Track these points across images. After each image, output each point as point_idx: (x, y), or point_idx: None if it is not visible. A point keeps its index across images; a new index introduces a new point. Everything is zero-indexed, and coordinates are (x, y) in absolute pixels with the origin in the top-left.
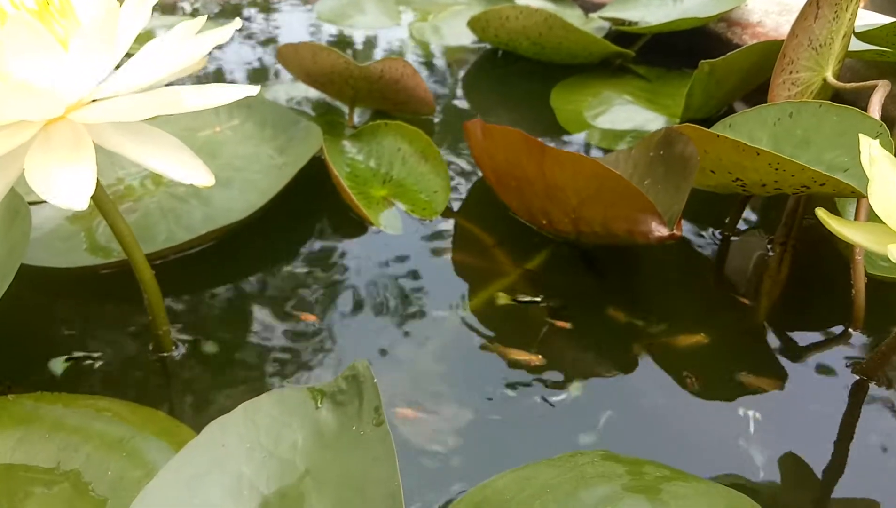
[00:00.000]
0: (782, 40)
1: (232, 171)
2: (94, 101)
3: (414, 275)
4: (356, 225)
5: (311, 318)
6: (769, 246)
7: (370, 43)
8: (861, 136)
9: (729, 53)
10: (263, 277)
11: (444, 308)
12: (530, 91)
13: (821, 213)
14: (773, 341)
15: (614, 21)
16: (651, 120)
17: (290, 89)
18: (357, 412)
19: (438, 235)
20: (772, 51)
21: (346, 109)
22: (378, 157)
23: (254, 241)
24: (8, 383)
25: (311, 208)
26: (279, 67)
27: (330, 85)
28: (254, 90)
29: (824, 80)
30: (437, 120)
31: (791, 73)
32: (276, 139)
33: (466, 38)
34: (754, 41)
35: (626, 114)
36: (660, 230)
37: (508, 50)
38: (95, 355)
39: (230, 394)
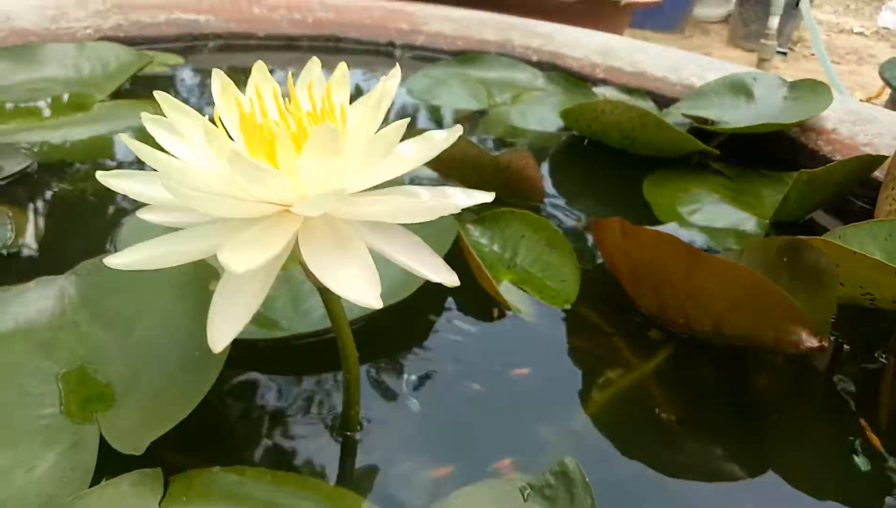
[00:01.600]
0: (884, 156)
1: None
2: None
3: (540, 365)
4: (483, 309)
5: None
6: (884, 356)
7: (456, 122)
8: None
9: (829, 164)
10: (411, 354)
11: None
12: (619, 182)
13: None
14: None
15: (695, 119)
16: (744, 220)
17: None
18: None
19: (564, 322)
20: (871, 165)
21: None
22: (502, 242)
23: (394, 323)
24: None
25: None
26: None
27: (456, 169)
28: (489, 197)
29: None
30: (543, 207)
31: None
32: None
33: (552, 124)
34: (829, 148)
35: (718, 212)
36: (810, 341)
37: (595, 140)
38: (281, 429)
39: (418, 476)
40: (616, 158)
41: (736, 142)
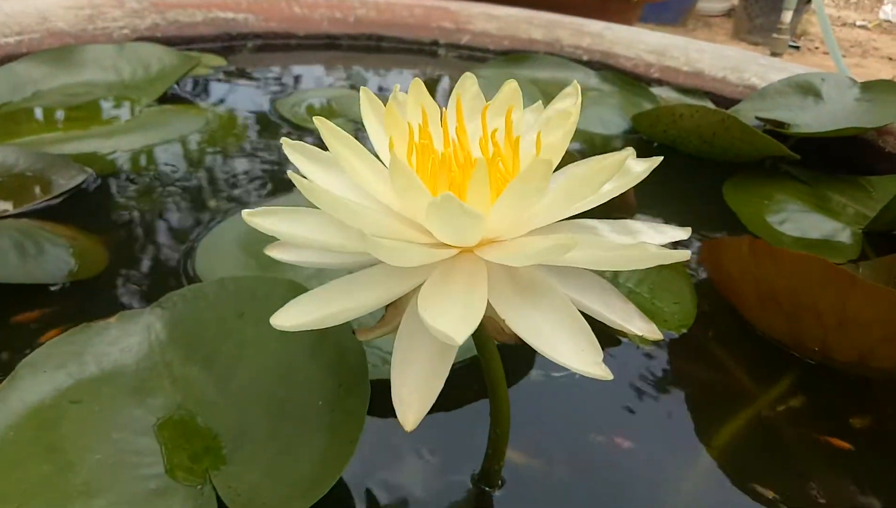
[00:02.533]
0: None
1: None
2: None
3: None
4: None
5: (624, 443)
6: None
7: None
8: None
9: None
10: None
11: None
12: (698, 190)
13: None
14: None
15: (770, 122)
16: (838, 231)
17: None
18: None
19: (681, 350)
20: None
21: None
22: None
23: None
24: None
25: None
26: None
27: None
28: (685, 233)
29: None
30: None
31: None
32: None
33: (615, 126)
34: None
35: (808, 222)
36: None
37: (667, 144)
38: (417, 491)
39: None
40: (689, 163)
41: (809, 145)
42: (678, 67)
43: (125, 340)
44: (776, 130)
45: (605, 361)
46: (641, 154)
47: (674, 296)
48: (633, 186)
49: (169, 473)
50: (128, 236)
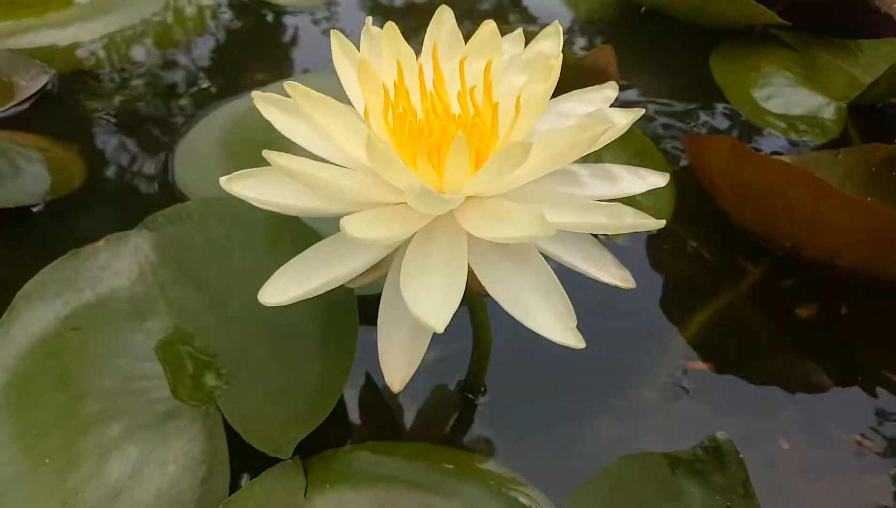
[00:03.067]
0: None
1: None
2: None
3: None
4: None
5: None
6: None
7: None
8: None
9: None
10: None
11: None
12: (684, 59)
13: None
14: None
15: None
16: (823, 106)
17: None
18: (723, 485)
19: (662, 241)
20: None
21: None
22: None
23: None
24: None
25: None
26: None
27: None
28: (664, 179)
29: None
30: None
31: None
32: None
33: None
34: None
35: (794, 97)
36: None
37: (656, 8)
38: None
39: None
40: (676, 29)
41: (800, 6)
42: None
43: (116, 263)
44: None
45: None
46: (629, 19)
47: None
48: (616, 54)
49: (175, 395)
50: (102, 142)
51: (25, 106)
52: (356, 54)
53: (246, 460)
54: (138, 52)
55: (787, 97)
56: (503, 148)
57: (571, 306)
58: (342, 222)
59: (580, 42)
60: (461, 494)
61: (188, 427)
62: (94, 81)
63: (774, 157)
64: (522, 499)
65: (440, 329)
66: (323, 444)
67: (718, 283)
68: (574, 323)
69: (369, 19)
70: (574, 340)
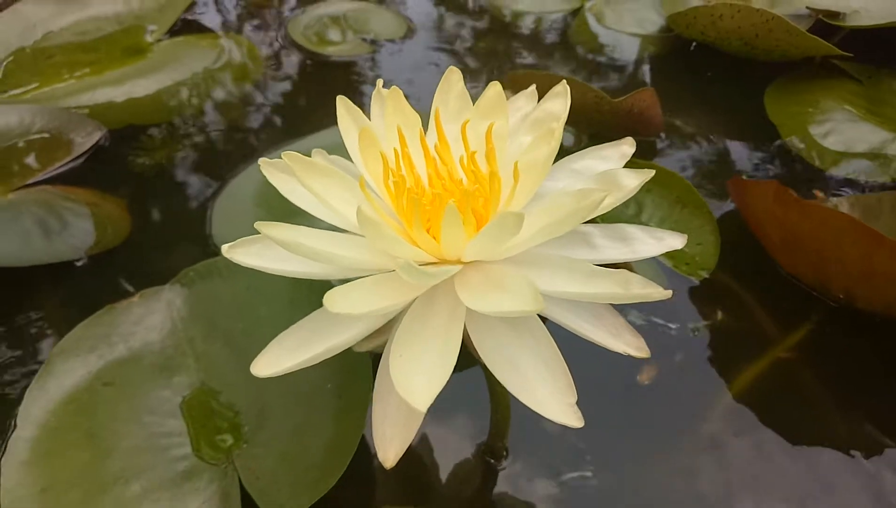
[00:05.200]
0: None
1: None
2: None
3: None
4: None
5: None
6: None
7: (540, 24)
8: None
9: None
10: None
11: None
12: (737, 95)
13: None
14: None
15: (820, 12)
16: (887, 141)
17: None
18: None
19: (703, 292)
20: None
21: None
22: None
23: None
24: None
25: None
26: None
27: (574, 115)
28: (682, 241)
29: None
30: (661, 140)
31: None
32: None
33: (652, 24)
34: None
35: (855, 132)
36: None
37: (707, 44)
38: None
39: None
40: (730, 64)
41: (866, 35)
42: None
43: (149, 318)
44: (827, 20)
45: None
46: (678, 55)
47: (697, 238)
48: (662, 95)
49: (196, 453)
50: (148, 195)
51: (80, 161)
52: (363, 120)
53: None
54: (188, 106)
55: (848, 133)
56: (496, 218)
57: (572, 379)
58: (324, 298)
59: (626, 80)
60: None
61: (205, 488)
62: (145, 135)
63: (820, 203)
64: None
65: (423, 409)
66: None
67: (768, 337)
68: (574, 399)
69: (380, 81)
70: (573, 418)
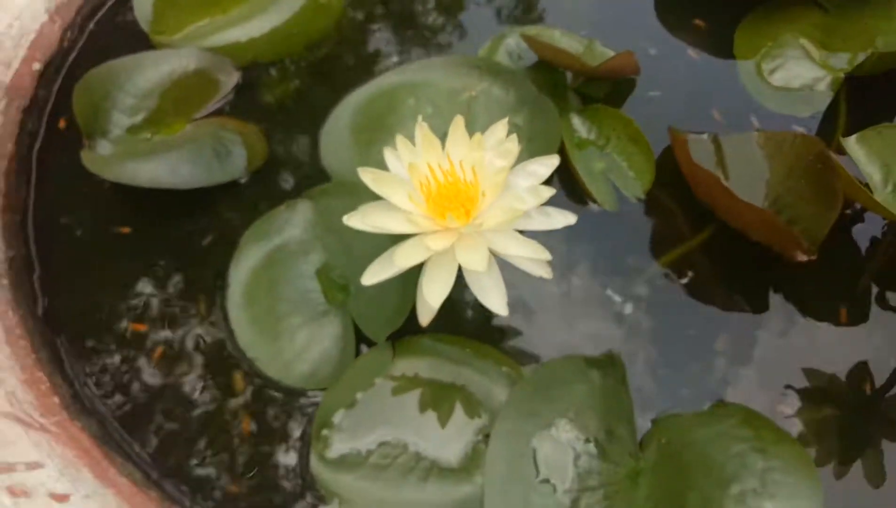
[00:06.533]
0: None
1: None
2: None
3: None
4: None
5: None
6: None
7: None
8: None
9: None
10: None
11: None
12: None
13: None
14: None
15: None
16: (819, 80)
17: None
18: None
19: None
20: None
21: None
22: (598, 133)
23: None
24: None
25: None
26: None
27: (561, 64)
28: (571, 218)
29: None
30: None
31: None
32: (521, 110)
33: None
34: None
35: (798, 69)
36: (802, 257)
37: None
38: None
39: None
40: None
41: None
42: None
43: (292, 219)
44: None
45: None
46: None
47: (640, 167)
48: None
49: (328, 301)
50: (276, 124)
51: (230, 97)
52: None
53: (364, 341)
54: (295, 44)
55: (793, 70)
56: (471, 226)
57: (506, 292)
58: (394, 254)
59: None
60: (474, 365)
61: (333, 321)
62: (265, 72)
63: (702, 169)
64: (505, 369)
65: (435, 306)
66: (407, 332)
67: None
68: (506, 300)
69: (420, 121)
70: (505, 309)
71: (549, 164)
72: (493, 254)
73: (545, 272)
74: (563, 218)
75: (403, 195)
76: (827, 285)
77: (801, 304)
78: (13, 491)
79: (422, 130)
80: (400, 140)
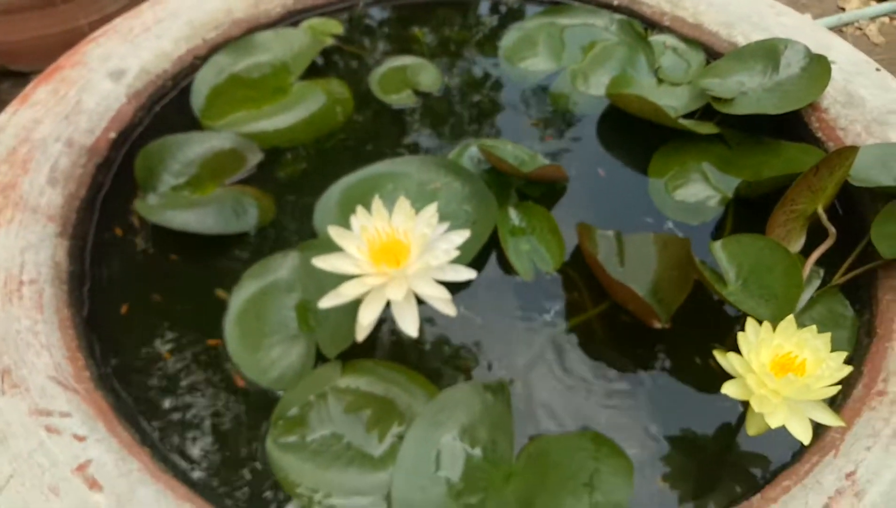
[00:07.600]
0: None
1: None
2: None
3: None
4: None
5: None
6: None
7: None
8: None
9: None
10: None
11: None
12: (640, 150)
13: None
14: None
15: (711, 97)
16: (710, 197)
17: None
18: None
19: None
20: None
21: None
22: (527, 223)
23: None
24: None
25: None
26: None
27: (503, 169)
28: (472, 274)
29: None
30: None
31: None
32: (472, 200)
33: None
34: (817, 125)
35: (696, 188)
36: (658, 325)
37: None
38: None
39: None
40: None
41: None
42: (685, 18)
43: (283, 265)
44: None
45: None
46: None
47: (554, 249)
48: (601, 145)
49: (300, 328)
50: (285, 192)
51: (253, 171)
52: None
53: (322, 360)
54: (311, 133)
55: (692, 189)
56: (399, 272)
57: (418, 320)
58: (342, 287)
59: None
60: (402, 385)
61: (301, 342)
62: (283, 155)
63: (587, 250)
64: (425, 389)
65: (366, 325)
66: (356, 356)
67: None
68: (417, 326)
69: (375, 202)
70: (416, 331)
71: (462, 235)
72: (415, 293)
73: (450, 310)
74: (468, 273)
75: (355, 248)
76: (683, 349)
77: (662, 362)
78: (49, 429)
79: (403, 204)
80: (360, 210)
